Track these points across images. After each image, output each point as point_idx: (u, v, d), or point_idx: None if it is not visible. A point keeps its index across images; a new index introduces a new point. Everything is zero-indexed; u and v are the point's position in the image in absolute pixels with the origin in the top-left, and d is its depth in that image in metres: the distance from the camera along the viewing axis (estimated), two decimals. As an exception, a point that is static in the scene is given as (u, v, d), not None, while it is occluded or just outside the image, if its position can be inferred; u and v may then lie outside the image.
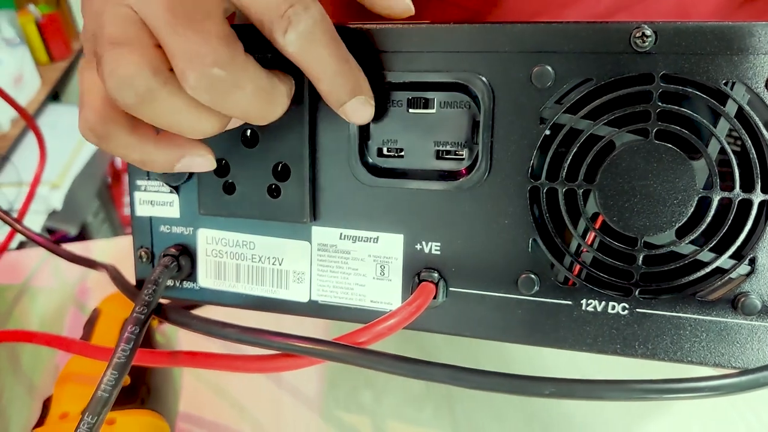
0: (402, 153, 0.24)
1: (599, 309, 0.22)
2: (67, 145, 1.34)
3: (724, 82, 0.20)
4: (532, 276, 0.23)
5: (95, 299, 0.47)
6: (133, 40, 0.19)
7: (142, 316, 0.24)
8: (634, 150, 0.21)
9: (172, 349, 0.42)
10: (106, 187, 1.47)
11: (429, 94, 0.23)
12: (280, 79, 0.22)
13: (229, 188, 0.26)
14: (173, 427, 0.38)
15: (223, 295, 0.27)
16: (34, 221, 1.20)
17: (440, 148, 0.24)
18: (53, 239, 1.28)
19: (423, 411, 0.37)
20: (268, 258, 0.26)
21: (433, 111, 0.23)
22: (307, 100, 0.24)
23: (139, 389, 0.37)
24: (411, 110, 0.23)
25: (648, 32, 0.20)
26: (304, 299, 0.26)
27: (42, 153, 0.56)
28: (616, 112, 0.21)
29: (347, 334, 0.21)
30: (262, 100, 0.21)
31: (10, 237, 0.50)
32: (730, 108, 0.20)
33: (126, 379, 0.35)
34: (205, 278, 0.27)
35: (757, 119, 0.20)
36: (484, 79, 0.22)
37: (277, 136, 0.24)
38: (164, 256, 0.27)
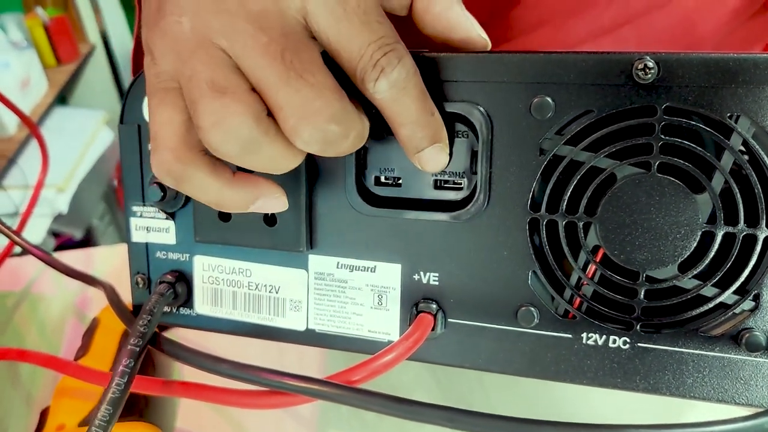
0: (400, 182, 0.24)
1: (600, 343, 0.22)
2: (74, 148, 1.34)
3: (728, 114, 0.20)
4: (532, 309, 0.22)
5: (95, 308, 0.47)
6: (235, 88, 0.19)
7: (137, 349, 0.24)
8: (636, 183, 0.21)
9: (168, 377, 0.42)
10: (112, 190, 1.47)
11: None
12: (363, 117, 0.21)
13: (224, 215, 0.25)
14: (171, 439, 0.38)
15: (220, 322, 0.27)
16: (40, 225, 1.20)
17: (438, 177, 0.23)
18: (58, 243, 1.27)
19: (424, 427, 0.37)
20: (265, 286, 0.26)
21: (431, 140, 0.23)
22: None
23: (138, 402, 0.38)
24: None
25: (650, 64, 0.20)
26: (301, 328, 0.26)
27: (44, 158, 0.56)
28: (618, 144, 0.21)
29: (342, 372, 0.21)
30: (359, 143, 0.21)
31: (11, 245, 0.50)
32: (735, 141, 0.20)
33: None
34: (202, 305, 0.27)
35: (762, 153, 0.20)
36: (482, 109, 0.22)
37: (273, 164, 0.24)
38: (160, 283, 0.27)
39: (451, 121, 0.22)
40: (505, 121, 0.22)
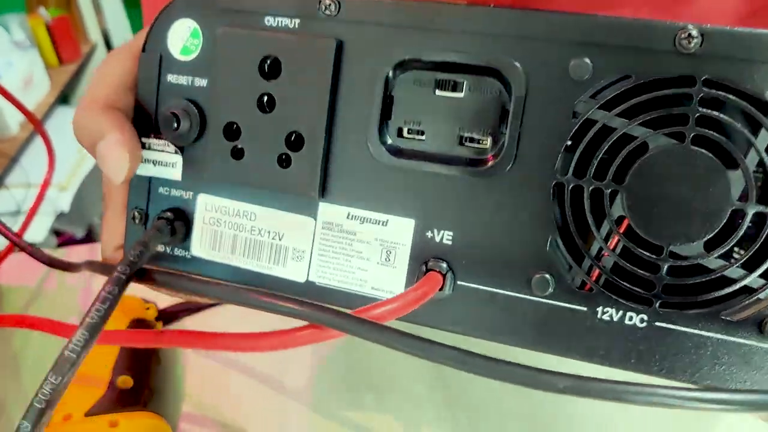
0: (423, 135, 0.23)
1: (615, 319, 0.21)
2: (75, 147, 1.33)
3: (768, 92, 0.19)
4: (548, 276, 0.21)
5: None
6: None
7: (123, 276, 0.22)
8: (668, 154, 0.20)
9: (173, 372, 0.41)
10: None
11: (459, 77, 0.22)
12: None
13: (237, 153, 0.24)
14: (176, 429, 0.38)
15: (216, 267, 0.26)
16: (42, 223, 1.20)
17: (464, 134, 0.23)
18: (60, 241, 1.29)
19: (425, 413, 0.37)
20: (268, 232, 0.25)
21: (461, 95, 0.22)
22: (331, 69, 0.23)
23: (142, 392, 0.38)
24: (438, 92, 0.23)
25: (694, 33, 0.20)
26: (301, 279, 0.25)
27: (51, 158, 0.56)
28: (653, 112, 0.20)
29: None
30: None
31: (10, 247, 0.49)
32: (773, 120, 0.19)
33: (128, 381, 0.37)
34: (199, 247, 0.26)
35: (800, 134, 0.19)
36: (519, 65, 0.21)
37: (296, 103, 0.23)
38: (159, 219, 0.25)
39: (484, 75, 0.22)
40: (540, 80, 0.21)
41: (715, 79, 0.20)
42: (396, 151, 0.23)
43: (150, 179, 0.26)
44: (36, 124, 0.53)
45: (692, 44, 0.20)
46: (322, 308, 0.20)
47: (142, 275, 0.24)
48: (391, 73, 0.22)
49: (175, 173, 0.26)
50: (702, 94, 0.20)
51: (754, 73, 0.19)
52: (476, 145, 0.23)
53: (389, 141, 0.23)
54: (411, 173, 0.23)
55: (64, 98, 1.61)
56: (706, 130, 0.20)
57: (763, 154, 0.19)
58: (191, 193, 0.26)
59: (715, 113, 0.20)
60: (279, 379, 0.40)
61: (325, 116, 0.23)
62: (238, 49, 0.24)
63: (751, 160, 0.20)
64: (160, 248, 0.26)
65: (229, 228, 0.25)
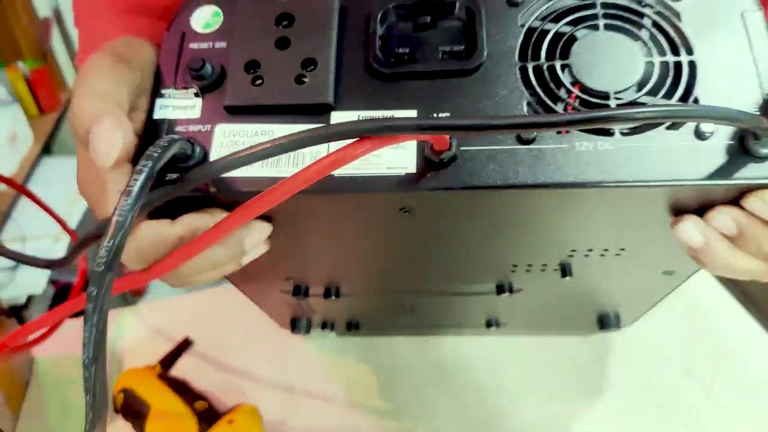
0: (411, 56, 0.29)
1: (591, 148, 0.26)
2: (64, 196, 1.26)
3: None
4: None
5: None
6: None
7: (156, 153, 0.24)
8: (592, 38, 0.28)
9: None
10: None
11: (429, 18, 0.30)
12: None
13: (257, 82, 0.29)
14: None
15: (234, 180, 0.27)
16: (41, 274, 1.25)
17: (444, 50, 0.29)
18: (56, 288, 1.38)
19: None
20: (286, 143, 0.28)
21: (435, 28, 0.30)
22: (336, 18, 0.30)
23: (212, 405, 0.49)
24: (416, 33, 0.30)
25: None
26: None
27: (59, 222, 0.56)
28: (571, 14, 0.29)
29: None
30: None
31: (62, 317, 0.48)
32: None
33: (204, 404, 0.48)
34: (217, 166, 0.28)
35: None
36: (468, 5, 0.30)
37: (308, 39, 0.29)
38: (179, 143, 0.28)
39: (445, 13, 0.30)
40: (491, 8, 0.29)
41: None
42: (391, 65, 0.29)
43: (167, 121, 0.29)
44: (20, 190, 0.51)
45: (584, -23, 0.30)
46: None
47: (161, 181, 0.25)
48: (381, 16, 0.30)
49: (194, 114, 0.29)
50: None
51: None
52: (455, 50, 0.29)
53: (383, 58, 0.29)
54: (408, 78, 0.28)
55: (46, 147, 1.55)
56: (611, 20, 0.29)
57: (653, 16, 0.28)
58: (209, 126, 0.29)
59: (613, 10, 0.29)
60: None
61: (334, 43, 0.29)
62: (258, 12, 0.30)
63: (647, 23, 0.28)
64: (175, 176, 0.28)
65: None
